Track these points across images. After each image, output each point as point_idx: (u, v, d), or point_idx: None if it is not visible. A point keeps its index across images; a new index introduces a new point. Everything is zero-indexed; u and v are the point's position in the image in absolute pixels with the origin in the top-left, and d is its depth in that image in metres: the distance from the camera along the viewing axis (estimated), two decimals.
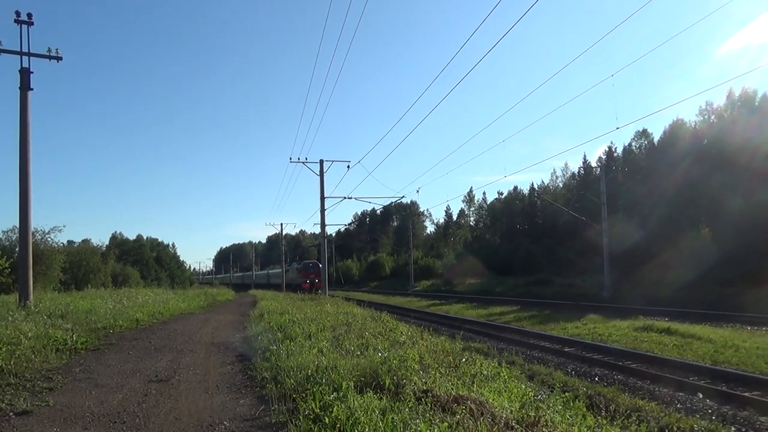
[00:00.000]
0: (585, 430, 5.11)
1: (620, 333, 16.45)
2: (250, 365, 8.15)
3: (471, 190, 79.20)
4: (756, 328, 16.77)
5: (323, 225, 33.46)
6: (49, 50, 16.44)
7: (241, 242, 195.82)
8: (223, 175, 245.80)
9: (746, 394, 9.17)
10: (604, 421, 6.02)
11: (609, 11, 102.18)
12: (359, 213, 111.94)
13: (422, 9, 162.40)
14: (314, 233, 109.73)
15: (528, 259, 49.35)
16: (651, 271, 30.99)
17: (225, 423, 5.25)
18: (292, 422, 4.81)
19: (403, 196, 38.48)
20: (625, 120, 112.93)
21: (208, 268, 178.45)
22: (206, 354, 9.81)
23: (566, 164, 63.02)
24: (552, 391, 8.06)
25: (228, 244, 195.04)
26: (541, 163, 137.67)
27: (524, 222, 62.37)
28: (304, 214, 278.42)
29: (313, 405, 4.85)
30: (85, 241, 50.43)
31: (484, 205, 77.09)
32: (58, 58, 16.54)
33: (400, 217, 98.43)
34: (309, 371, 6.25)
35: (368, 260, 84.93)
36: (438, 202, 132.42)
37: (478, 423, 4.41)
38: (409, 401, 4.95)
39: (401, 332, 10.84)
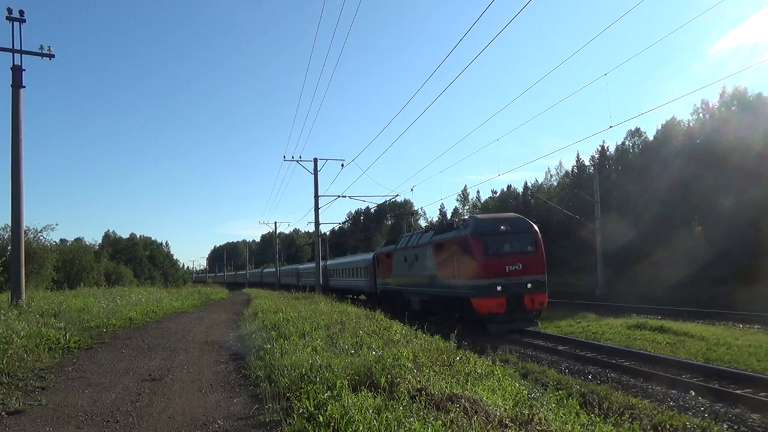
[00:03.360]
0: (578, 427, 5.14)
1: (613, 331, 16.54)
2: (244, 364, 8.14)
3: (465, 189, 79.24)
4: (748, 325, 16.89)
5: (317, 223, 33.41)
6: (42, 47, 16.31)
7: (235, 241, 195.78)
8: (217, 174, 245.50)
9: (738, 391, 9.24)
10: (598, 419, 6.05)
11: (602, 10, 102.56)
12: (353, 211, 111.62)
13: (417, 7, 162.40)
14: (308, 232, 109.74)
15: None
16: (644, 270, 31.13)
17: (219, 422, 5.23)
18: (286, 421, 4.80)
19: (397, 195, 38.59)
20: (618, 119, 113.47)
21: (201, 267, 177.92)
22: (200, 353, 9.78)
23: (560, 163, 62.97)
24: (546, 389, 8.11)
25: (222, 243, 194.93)
26: (534, 162, 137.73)
27: None
28: (298, 213, 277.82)
29: (308, 404, 4.85)
30: (78, 240, 50.30)
31: (479, 204, 77.02)
32: (51, 56, 16.41)
33: (395, 216, 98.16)
34: (303, 370, 6.24)
35: None
36: (432, 201, 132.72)
37: (472, 421, 4.42)
38: (404, 400, 4.95)
39: (395, 331, 10.86)
